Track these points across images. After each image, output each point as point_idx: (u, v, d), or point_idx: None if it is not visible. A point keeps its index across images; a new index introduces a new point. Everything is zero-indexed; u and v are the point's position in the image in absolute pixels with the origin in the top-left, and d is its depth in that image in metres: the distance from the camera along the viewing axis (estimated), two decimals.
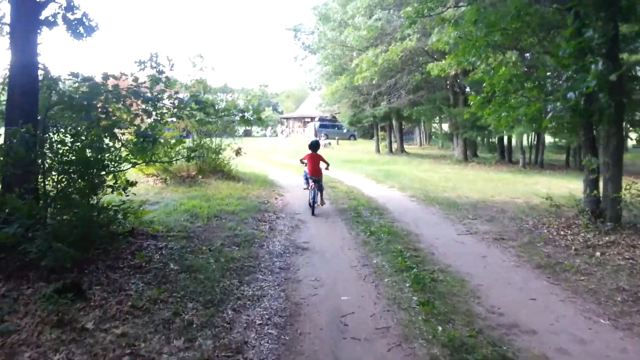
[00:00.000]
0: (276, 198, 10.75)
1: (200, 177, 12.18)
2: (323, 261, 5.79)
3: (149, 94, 5.61)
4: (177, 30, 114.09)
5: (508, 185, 13.92)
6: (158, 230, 6.36)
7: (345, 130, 42.91)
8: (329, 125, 43.22)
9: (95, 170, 5.15)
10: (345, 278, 5.14)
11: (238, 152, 12.26)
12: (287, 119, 59.40)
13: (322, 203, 9.25)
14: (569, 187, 14.39)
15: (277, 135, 43.85)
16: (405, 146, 31.98)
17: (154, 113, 5.83)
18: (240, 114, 5.51)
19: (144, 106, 5.73)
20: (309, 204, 9.13)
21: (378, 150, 28.83)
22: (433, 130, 47.79)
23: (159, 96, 5.60)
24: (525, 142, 25.60)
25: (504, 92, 8.73)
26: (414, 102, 23.54)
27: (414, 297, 4.47)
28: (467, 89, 22.13)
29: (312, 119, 46.47)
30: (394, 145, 30.17)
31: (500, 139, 25.33)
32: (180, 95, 6.53)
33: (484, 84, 9.11)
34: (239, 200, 9.61)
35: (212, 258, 5.43)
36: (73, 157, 5.01)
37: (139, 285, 4.39)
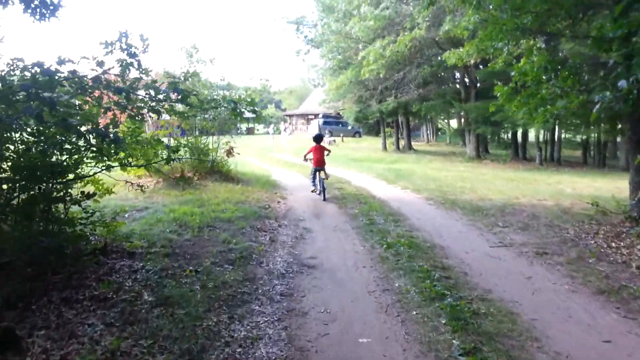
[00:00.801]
0: (278, 202, 9.73)
1: (196, 178, 11.18)
2: (334, 284, 4.77)
3: (120, 84, 4.59)
4: (172, 23, 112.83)
5: (529, 185, 12.86)
6: (137, 246, 5.35)
7: (349, 127, 41.81)
8: (332, 122, 42.16)
9: (49, 177, 4.14)
10: (362, 309, 4.12)
11: (229, 153, 11.21)
12: (290, 116, 58.41)
13: (327, 177, 10.52)
14: (594, 186, 13.34)
15: (280, 133, 42.75)
16: (412, 143, 30.87)
17: (129, 106, 4.81)
18: (233, 106, 4.46)
19: (116, 98, 4.71)
20: (318, 193, 10.22)
21: (385, 148, 27.76)
22: (439, 126, 46.67)
23: (134, 85, 4.58)
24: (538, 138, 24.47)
25: (537, 81, 7.66)
26: (423, 97, 22.45)
27: (454, 341, 3.44)
28: (481, 82, 21.04)
29: (316, 115, 45.41)
30: (401, 142, 29.07)
31: (514, 135, 24.23)
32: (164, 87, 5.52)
33: (513, 73, 8.04)
34: (236, 205, 8.59)
35: (198, 283, 4.42)
36: (22, 162, 4.01)
37: (97, 327, 3.38)
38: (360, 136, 41.77)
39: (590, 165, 22.00)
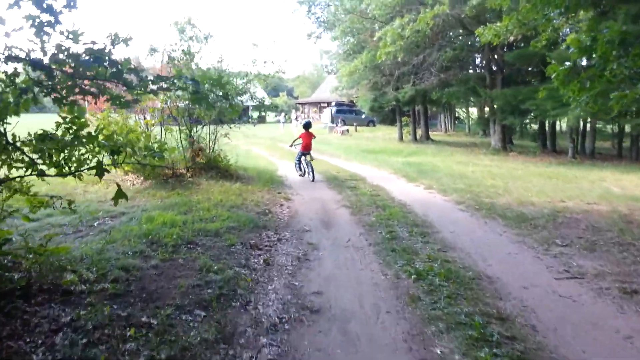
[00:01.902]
0: (281, 205, 8.29)
1: (189, 175, 9.79)
2: (346, 346, 3.32)
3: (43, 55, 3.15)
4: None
5: (570, 184, 11.21)
6: (77, 281, 3.95)
7: (363, 116, 40.12)
8: (346, 111, 40.49)
9: None
10: None
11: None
12: (303, 104, 56.86)
13: (312, 159, 11.40)
14: None
15: (290, 122, 41.17)
16: (430, 133, 29.09)
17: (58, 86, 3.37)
18: (194, 87, 3.02)
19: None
20: (306, 174, 11.25)
21: (401, 138, 26.10)
22: (457, 115, 44.64)
23: (58, 57, 3.13)
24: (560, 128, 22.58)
25: (604, 60, 6.05)
26: (444, 83, 20.70)
27: None
28: (509, 67, 19.21)
29: (329, 104, 43.77)
30: (418, 132, 27.34)
31: (542, 125, 22.37)
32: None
33: (571, 50, 6.42)
34: (230, 210, 7.18)
35: (146, 347, 3.00)
36: None
37: None
38: (374, 125, 40.07)
39: (627, 158, 20.10)
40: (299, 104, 58.41)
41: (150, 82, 2.89)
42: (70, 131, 3.66)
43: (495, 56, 18.95)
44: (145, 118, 9.84)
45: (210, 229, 5.96)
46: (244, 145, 21.81)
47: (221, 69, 10.37)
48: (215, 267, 4.57)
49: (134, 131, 8.85)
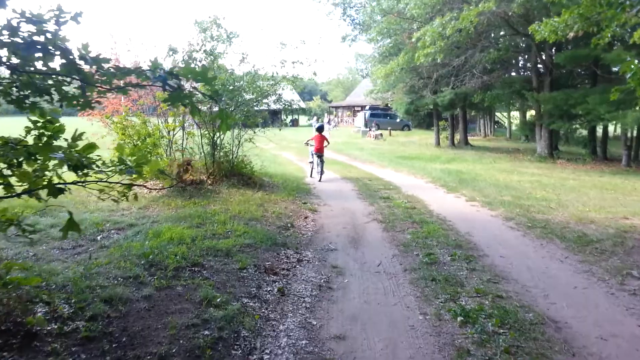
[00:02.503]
0: (306, 217, 7.52)
1: (209, 183, 9.17)
2: None
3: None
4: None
5: (630, 197, 9.94)
6: (52, 315, 3.29)
7: (398, 120, 39.00)
8: (380, 115, 39.48)
9: None
10: None
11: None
12: (336, 107, 56.16)
13: (323, 172, 11.80)
14: None
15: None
16: (468, 137, 27.70)
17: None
18: (174, 82, 2.30)
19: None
20: (313, 174, 12.05)
21: (438, 143, 24.90)
22: (496, 119, 42.73)
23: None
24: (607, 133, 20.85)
25: None
26: (486, 86, 19.46)
27: None
28: (558, 69, 17.81)
29: (362, 107, 42.87)
30: (456, 137, 26.04)
31: (592, 131, 20.72)
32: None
33: None
34: (248, 224, 6.47)
35: None
36: None
37: None
38: (409, 129, 38.89)
39: None
40: (332, 107, 57.70)
41: (114, 76, 2.17)
42: (43, 138, 2.99)
43: (544, 58, 17.59)
44: (166, 121, 9.29)
45: (222, 247, 5.24)
46: (274, 150, 21.25)
47: (248, 72, 9.73)
48: (219, 299, 3.83)
49: (153, 135, 8.31)
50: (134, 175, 2.68)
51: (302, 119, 55.72)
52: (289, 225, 6.83)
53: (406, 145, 25.16)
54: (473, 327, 3.52)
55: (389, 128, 34.82)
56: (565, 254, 5.46)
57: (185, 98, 2.18)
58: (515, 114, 37.65)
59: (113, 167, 2.55)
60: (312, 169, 12.19)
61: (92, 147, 2.88)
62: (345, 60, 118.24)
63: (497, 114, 40.04)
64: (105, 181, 2.64)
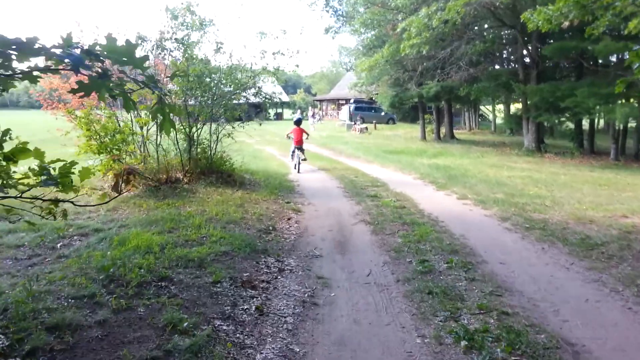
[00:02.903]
0: (289, 218, 7.00)
1: (185, 181, 8.57)
2: None
3: None
4: None
5: (625, 192, 9.65)
6: None
7: (383, 113, 38.61)
8: (365, 108, 39.02)
9: None
10: None
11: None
12: (321, 101, 55.55)
13: (305, 159, 12.36)
14: None
15: (307, 119, 39.57)
16: (454, 131, 27.40)
17: None
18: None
19: None
20: (294, 167, 12.19)
21: (424, 137, 24.53)
22: (480, 112, 42.65)
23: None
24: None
25: None
26: (472, 79, 19.11)
27: None
28: (544, 61, 17.54)
29: (347, 101, 42.33)
30: (442, 130, 25.71)
31: (578, 123, 20.56)
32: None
33: None
34: (226, 227, 5.93)
35: None
36: None
37: None
38: (394, 123, 38.56)
39: None
40: (317, 100, 57.07)
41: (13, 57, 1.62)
42: None
43: (530, 50, 17.28)
44: (139, 116, 8.64)
45: (194, 256, 4.69)
46: (257, 144, 20.64)
47: (225, 63, 9.12)
48: (186, 323, 3.30)
49: (122, 132, 7.67)
50: (58, 188, 2.10)
51: (287, 113, 55.04)
52: (271, 228, 6.31)
53: (392, 139, 24.75)
54: (480, 355, 3.06)
55: (374, 121, 34.40)
56: (570, 260, 5.05)
57: (107, 86, 1.63)
58: (500, 107, 37.60)
59: (29, 178, 1.98)
60: (295, 164, 12.24)
61: (22, 151, 2.30)
62: (329, 53, 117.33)
63: (481, 107, 39.94)
64: (19, 197, 2.06)
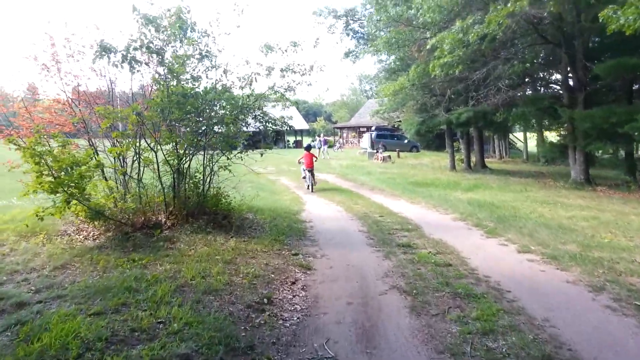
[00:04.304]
0: (294, 282, 5.14)
1: (168, 224, 6.83)
2: None
3: None
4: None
5: None
6: None
7: (405, 141, 36.78)
8: (387, 135, 37.30)
9: None
10: None
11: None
12: (341, 128, 54.11)
13: (316, 183, 13.87)
14: None
15: (320, 147, 35.90)
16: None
17: None
18: None
19: None
20: (308, 187, 13.59)
21: (453, 167, 22.48)
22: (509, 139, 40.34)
23: None
24: None
25: None
26: (508, 103, 17.21)
27: None
28: (594, 83, 15.53)
29: (368, 128, 40.66)
30: (471, 159, 23.63)
31: (630, 152, 18.27)
32: None
33: None
34: (201, 300, 4.15)
35: None
36: None
37: None
38: (417, 151, 36.55)
39: None
40: (337, 128, 55.68)
41: None
42: None
43: (577, 70, 15.32)
44: (113, 145, 7.03)
45: None
46: (272, 174, 18.98)
47: (218, 80, 7.49)
48: None
49: (84, 163, 6.01)
50: None
51: (307, 140, 53.61)
52: (265, 300, 4.45)
53: (418, 169, 22.79)
54: None
55: (396, 150, 32.50)
56: None
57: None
58: (532, 135, 35.34)
59: None
60: (309, 184, 13.51)
61: None
62: (349, 81, 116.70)
63: (512, 134, 37.74)
64: None
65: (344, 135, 52.61)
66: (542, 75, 18.26)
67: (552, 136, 30.73)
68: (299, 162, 14.33)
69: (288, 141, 50.19)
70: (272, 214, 8.85)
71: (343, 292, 4.85)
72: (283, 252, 6.30)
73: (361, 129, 46.44)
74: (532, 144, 37.45)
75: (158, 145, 6.77)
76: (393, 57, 21.12)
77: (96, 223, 6.49)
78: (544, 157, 28.30)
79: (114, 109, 6.65)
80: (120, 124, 6.91)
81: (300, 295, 4.74)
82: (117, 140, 7.10)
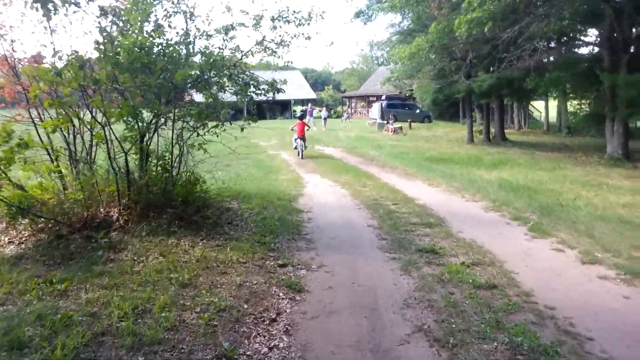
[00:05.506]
0: (273, 319, 3.58)
1: (121, 220, 5.27)
2: None
3: None
4: None
5: None
6: None
7: (417, 111, 34.73)
8: (398, 105, 35.18)
9: None
10: None
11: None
12: (350, 97, 51.83)
13: (306, 147, 14.47)
14: None
15: (321, 119, 33.19)
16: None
17: None
18: None
19: None
20: (298, 154, 14.07)
21: (472, 139, 20.58)
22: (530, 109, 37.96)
23: None
24: None
25: None
26: (539, 68, 15.18)
27: None
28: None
29: (378, 97, 38.48)
30: (491, 131, 21.67)
31: None
32: None
33: None
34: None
35: None
36: None
37: None
38: (430, 121, 34.44)
39: None
40: (346, 97, 53.39)
41: None
42: None
43: (622, 27, 13.23)
44: (40, 117, 5.45)
45: None
46: (272, 148, 17.34)
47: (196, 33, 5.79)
48: None
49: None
50: None
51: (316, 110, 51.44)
52: (226, 357, 2.91)
53: (432, 142, 20.92)
54: None
55: (408, 120, 30.44)
56: None
57: None
58: (553, 103, 32.99)
59: None
60: (299, 151, 14.05)
61: None
62: (359, 48, 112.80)
63: (533, 102, 35.33)
64: None
65: (353, 104, 50.44)
66: (577, 36, 16.06)
67: (572, 105, 28.49)
68: (292, 130, 15.03)
69: (294, 111, 48.13)
70: (262, 202, 7.27)
71: (344, 337, 3.30)
72: (267, 262, 4.74)
73: (371, 98, 44.26)
74: (551, 114, 35.18)
75: (105, 118, 5.13)
76: (410, 16, 19.00)
77: (25, 222, 4.97)
78: (567, 127, 26.23)
79: (47, 68, 5.01)
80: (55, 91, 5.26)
81: (281, 345, 3.18)
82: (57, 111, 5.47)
